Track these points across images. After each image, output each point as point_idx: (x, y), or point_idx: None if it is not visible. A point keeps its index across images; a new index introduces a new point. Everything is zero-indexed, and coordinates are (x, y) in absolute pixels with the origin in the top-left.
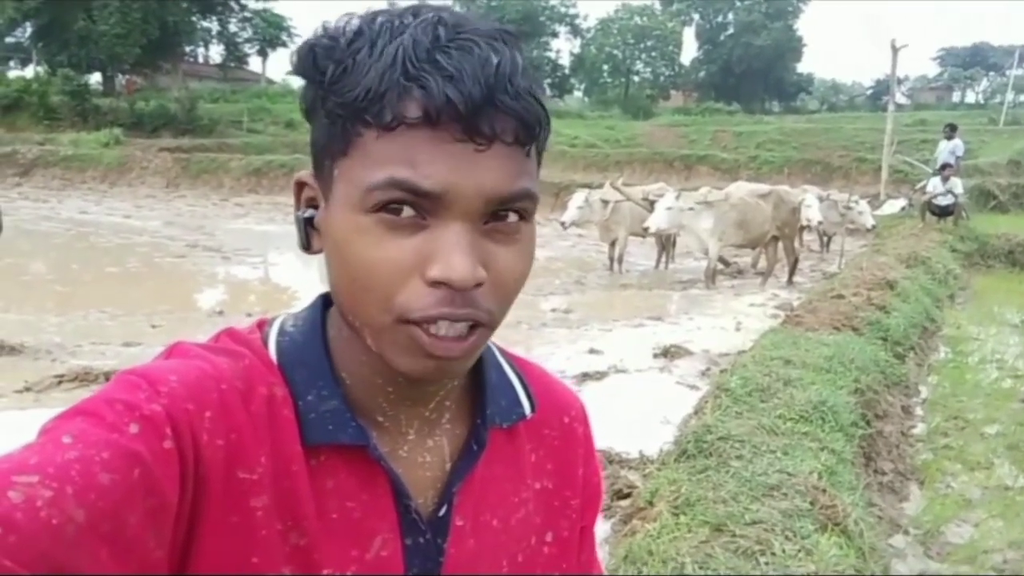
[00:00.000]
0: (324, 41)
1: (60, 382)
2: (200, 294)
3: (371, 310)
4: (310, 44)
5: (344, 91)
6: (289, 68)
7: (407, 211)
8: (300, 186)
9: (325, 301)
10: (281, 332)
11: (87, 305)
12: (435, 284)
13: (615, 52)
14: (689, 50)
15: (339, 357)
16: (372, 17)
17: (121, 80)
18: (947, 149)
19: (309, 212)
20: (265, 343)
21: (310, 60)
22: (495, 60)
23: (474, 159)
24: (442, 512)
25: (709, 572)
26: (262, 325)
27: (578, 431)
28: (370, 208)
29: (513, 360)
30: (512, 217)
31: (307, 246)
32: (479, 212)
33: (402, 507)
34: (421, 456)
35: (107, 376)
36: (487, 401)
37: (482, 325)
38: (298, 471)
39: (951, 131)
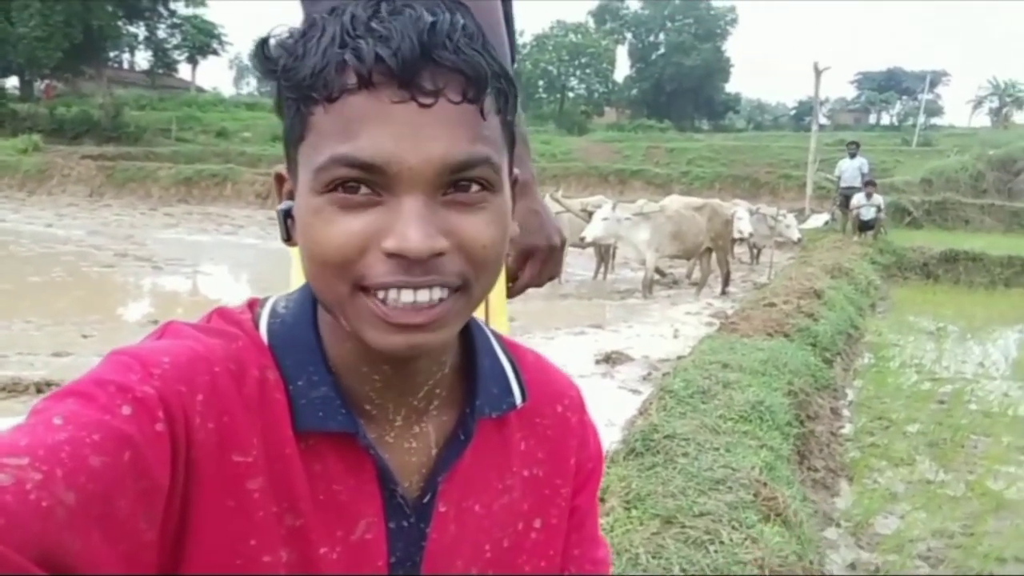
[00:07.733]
0: (280, 33)
1: None
2: (131, 304)
3: (332, 282)
4: (264, 37)
5: (295, 75)
6: (221, 76)
7: (363, 190)
8: (279, 180)
9: None
10: (273, 314)
11: (11, 315)
12: (391, 256)
13: (550, 68)
14: (622, 68)
15: (328, 343)
16: (331, 9)
17: (39, 85)
18: (854, 167)
19: (287, 204)
20: (256, 324)
21: (262, 51)
22: (429, 19)
23: (418, 123)
24: (427, 499)
25: (662, 561)
26: (253, 305)
27: (571, 420)
28: (322, 188)
29: (508, 346)
30: (474, 188)
31: (287, 237)
32: (432, 183)
33: (387, 492)
34: (407, 442)
35: (37, 386)
36: (478, 390)
37: (456, 290)
38: (291, 454)
39: (855, 148)
